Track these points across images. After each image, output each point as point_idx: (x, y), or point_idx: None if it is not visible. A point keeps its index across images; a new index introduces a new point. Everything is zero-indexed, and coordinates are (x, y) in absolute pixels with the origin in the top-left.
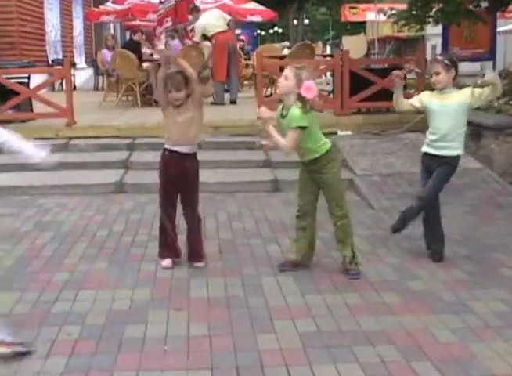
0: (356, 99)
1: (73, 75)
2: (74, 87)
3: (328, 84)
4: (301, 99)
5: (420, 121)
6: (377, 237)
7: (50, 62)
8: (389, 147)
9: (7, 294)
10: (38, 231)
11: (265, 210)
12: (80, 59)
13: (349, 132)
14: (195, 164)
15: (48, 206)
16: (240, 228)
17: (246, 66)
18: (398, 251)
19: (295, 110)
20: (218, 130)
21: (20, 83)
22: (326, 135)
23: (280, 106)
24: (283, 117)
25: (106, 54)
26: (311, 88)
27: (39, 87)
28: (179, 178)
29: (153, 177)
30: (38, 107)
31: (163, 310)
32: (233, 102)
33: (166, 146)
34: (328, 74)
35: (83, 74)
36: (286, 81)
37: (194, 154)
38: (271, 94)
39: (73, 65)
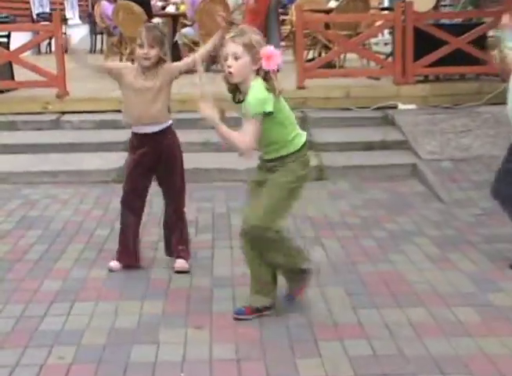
0: (422, 63)
1: (65, 34)
2: (66, 49)
3: (386, 44)
4: (262, 74)
5: (503, 91)
6: (448, 238)
7: (34, 16)
8: (464, 124)
9: None
10: (23, 229)
11: (306, 203)
12: (72, 14)
13: (413, 106)
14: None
15: (34, 198)
16: None
17: (283, 22)
18: (476, 256)
19: (256, 91)
20: None
21: None
22: (383, 109)
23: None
24: (237, 102)
25: (106, 7)
26: (271, 55)
27: (22, 48)
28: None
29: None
30: (21, 74)
31: (178, 328)
32: None
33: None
34: (386, 32)
35: (76, 33)
36: (237, 60)
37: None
38: (313, 58)
39: (64, 21)
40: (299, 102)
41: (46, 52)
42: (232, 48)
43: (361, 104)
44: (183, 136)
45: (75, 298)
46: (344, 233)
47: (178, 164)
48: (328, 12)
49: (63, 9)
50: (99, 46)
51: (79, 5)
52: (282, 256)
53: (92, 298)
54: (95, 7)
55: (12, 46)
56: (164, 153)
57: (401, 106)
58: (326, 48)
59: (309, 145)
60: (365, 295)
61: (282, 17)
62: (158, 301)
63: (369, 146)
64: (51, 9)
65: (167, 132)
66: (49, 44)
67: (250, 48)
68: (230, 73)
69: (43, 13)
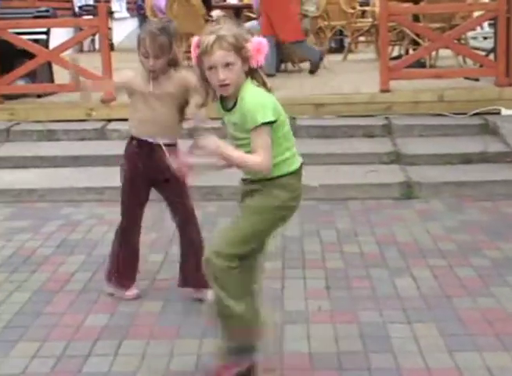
0: None
1: (110, 29)
2: (112, 46)
3: (486, 38)
4: (253, 74)
5: None
6: None
7: (76, 10)
8: None
9: (19, 346)
10: (63, 254)
11: (391, 226)
12: (119, 6)
13: None
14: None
15: (76, 218)
16: (356, 252)
17: (363, 13)
18: None
19: (254, 95)
20: (322, 109)
21: (35, 41)
22: (482, 115)
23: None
24: (227, 110)
25: None
26: (260, 47)
27: (63, 46)
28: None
29: (225, 178)
30: (61, 76)
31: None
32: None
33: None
34: (486, 24)
35: (124, 27)
36: (231, 69)
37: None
38: (400, 55)
39: (110, 14)
40: (382, 107)
41: (89, 51)
42: (222, 56)
43: (456, 109)
44: None
45: (124, 335)
46: (437, 262)
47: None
48: (416, 1)
49: (108, 1)
50: None
51: None
52: (234, 303)
53: (144, 335)
54: None
55: (52, 44)
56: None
57: (504, 112)
58: (415, 43)
59: (395, 157)
60: (463, 335)
61: (361, 8)
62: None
63: (466, 159)
64: (95, 1)
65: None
66: (93, 41)
67: (239, 48)
68: (226, 85)
69: (86, 6)
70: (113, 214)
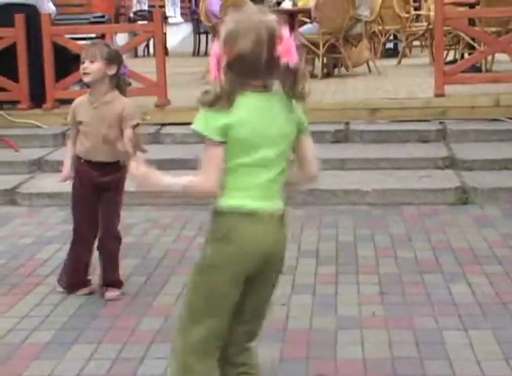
0: None
1: (165, 34)
2: (166, 51)
3: None
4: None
5: None
6: None
7: (131, 15)
8: None
9: (75, 348)
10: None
11: (446, 232)
12: (173, 11)
13: None
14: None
15: (131, 222)
16: (410, 258)
17: (417, 17)
18: None
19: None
20: (377, 114)
21: None
22: None
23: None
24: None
25: (212, 2)
26: (288, 45)
27: None
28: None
29: None
30: None
31: None
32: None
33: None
34: None
35: (178, 32)
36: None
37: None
38: (455, 60)
39: (165, 19)
40: (437, 112)
41: (144, 56)
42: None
43: None
44: None
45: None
46: (493, 269)
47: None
48: (472, 5)
49: (163, 6)
50: (203, 47)
51: (181, 1)
52: None
53: None
54: (200, 3)
55: None
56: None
57: None
58: (471, 47)
59: (450, 162)
60: None
61: (415, 12)
62: (274, 345)
63: None
64: (149, 7)
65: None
66: (147, 46)
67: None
68: None
69: (141, 11)
70: (167, 218)
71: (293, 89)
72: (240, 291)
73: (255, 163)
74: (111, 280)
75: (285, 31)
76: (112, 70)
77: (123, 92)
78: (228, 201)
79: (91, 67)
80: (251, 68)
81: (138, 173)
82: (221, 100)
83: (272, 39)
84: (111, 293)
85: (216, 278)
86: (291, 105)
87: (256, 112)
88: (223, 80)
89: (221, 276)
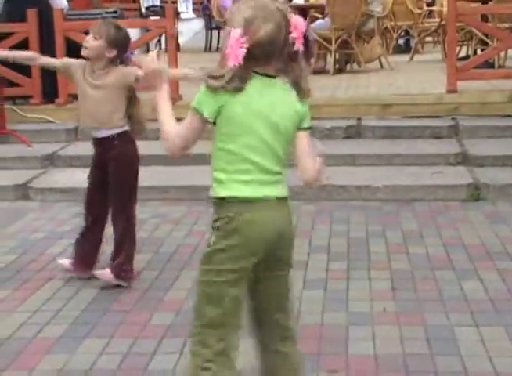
0: None
1: (177, 29)
2: (178, 46)
3: None
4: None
5: None
6: None
7: (143, 11)
8: None
9: (87, 342)
10: None
11: (458, 228)
12: (185, 7)
13: None
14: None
15: (142, 217)
16: (422, 254)
17: (430, 14)
18: None
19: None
20: (389, 109)
21: None
22: None
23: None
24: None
25: None
26: (296, 23)
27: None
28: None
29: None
30: None
31: (309, 372)
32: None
33: None
34: None
35: (190, 28)
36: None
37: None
38: (468, 56)
39: (177, 15)
40: (450, 108)
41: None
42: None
43: None
44: None
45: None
46: (505, 265)
47: (122, 179)
48: (484, 1)
49: (174, 1)
50: (214, 43)
51: None
52: None
53: None
54: None
55: None
56: (111, 165)
57: None
58: (483, 43)
59: (462, 159)
60: None
61: (428, 8)
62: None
63: None
64: (162, 2)
65: (116, 139)
66: (159, 41)
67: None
68: None
69: (153, 7)
70: (178, 213)
71: (297, 82)
72: (247, 283)
73: (253, 144)
74: (111, 263)
75: (299, 19)
76: (111, 54)
77: None
78: (227, 190)
79: (92, 43)
80: (268, 53)
81: (153, 66)
82: (232, 83)
83: (288, 26)
84: (65, 260)
85: (220, 264)
86: (294, 96)
87: (257, 94)
88: (237, 64)
89: (225, 261)
